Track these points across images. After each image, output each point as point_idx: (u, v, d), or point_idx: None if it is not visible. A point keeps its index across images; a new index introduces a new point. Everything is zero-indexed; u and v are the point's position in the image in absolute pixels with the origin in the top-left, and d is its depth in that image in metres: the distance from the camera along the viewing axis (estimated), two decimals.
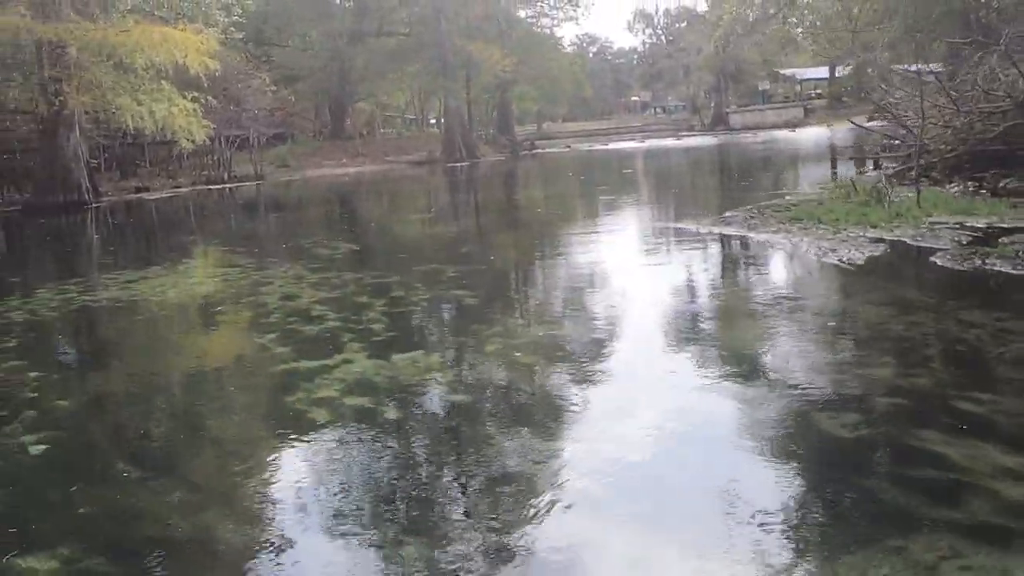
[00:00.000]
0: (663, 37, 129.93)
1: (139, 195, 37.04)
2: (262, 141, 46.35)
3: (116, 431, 6.63)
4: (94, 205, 30.51)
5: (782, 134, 63.94)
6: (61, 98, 27.87)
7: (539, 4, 62.24)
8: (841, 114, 77.99)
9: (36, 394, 7.38)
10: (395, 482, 5.14)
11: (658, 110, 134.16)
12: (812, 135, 59.11)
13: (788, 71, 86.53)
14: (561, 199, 25.75)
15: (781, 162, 36.99)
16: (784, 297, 9.53)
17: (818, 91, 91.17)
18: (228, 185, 41.44)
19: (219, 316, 10.78)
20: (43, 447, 6.02)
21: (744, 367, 6.89)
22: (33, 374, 7.99)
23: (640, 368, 7.35)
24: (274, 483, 5.26)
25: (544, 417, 6.12)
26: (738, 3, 79.68)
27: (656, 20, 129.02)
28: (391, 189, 38.32)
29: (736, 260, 12.26)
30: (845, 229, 12.14)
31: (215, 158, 44.18)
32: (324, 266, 13.62)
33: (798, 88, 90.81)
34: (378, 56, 58.62)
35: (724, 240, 13.44)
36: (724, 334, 8.35)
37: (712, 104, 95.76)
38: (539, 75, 63.26)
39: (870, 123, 61.54)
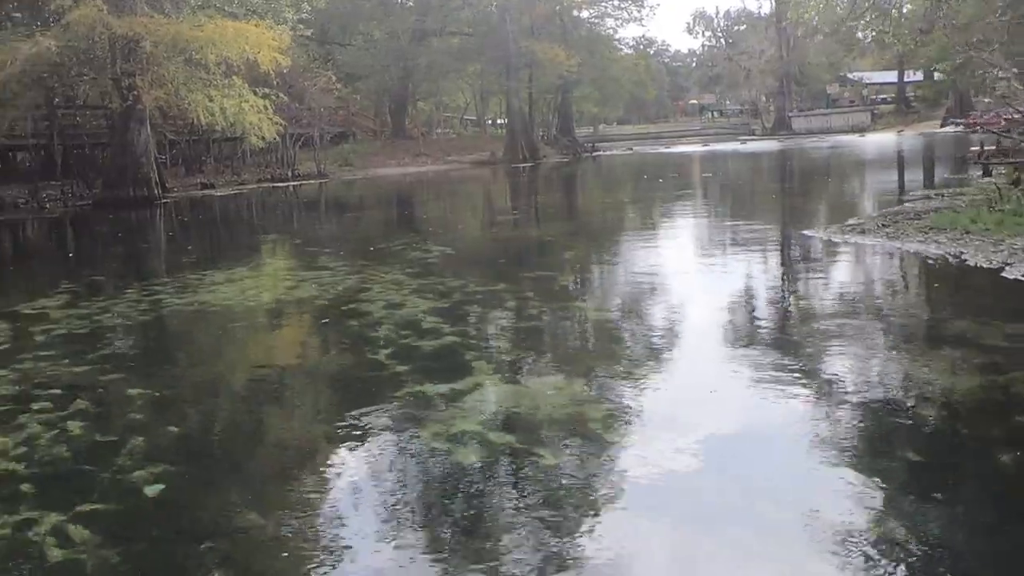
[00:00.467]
0: (723, 40, 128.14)
1: (205, 191, 36.73)
2: (326, 140, 45.92)
3: (236, 468, 5.72)
4: (163, 201, 30.15)
5: (850, 139, 61.96)
6: (135, 92, 27.50)
7: (603, 4, 60.94)
8: (910, 119, 75.96)
9: (142, 415, 6.54)
10: (593, 547, 4.11)
11: (715, 114, 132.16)
12: (882, 140, 56.98)
13: (855, 75, 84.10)
14: (651, 202, 24.59)
15: (867, 166, 35.45)
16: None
17: (882, 96, 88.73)
18: (292, 183, 41.00)
19: (323, 327, 9.89)
20: (159, 487, 5.13)
21: None
22: (135, 391, 7.15)
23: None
24: (444, 556, 4.26)
25: (744, 470, 5.04)
26: (814, 6, 77.78)
27: (716, 23, 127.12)
28: (462, 190, 37.58)
29: (907, 275, 10.94)
30: (1006, 240, 10.87)
31: (279, 156, 43.82)
32: (422, 271, 12.72)
33: (864, 92, 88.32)
34: (440, 55, 58.04)
35: (871, 251, 12.18)
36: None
37: (774, 108, 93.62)
38: (601, 76, 62.06)
39: (947, 127, 60.26)
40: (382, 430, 6.01)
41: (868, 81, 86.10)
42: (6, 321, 10.21)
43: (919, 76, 79.00)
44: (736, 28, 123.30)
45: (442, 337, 8.50)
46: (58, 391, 7.15)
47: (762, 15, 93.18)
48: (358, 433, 5.99)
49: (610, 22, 62.24)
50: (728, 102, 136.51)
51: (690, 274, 11.97)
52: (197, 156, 41.49)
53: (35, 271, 17.26)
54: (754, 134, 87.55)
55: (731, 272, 11.88)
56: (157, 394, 7.18)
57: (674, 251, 14.42)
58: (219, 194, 35.72)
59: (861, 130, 74.05)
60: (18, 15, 33.55)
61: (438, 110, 66.42)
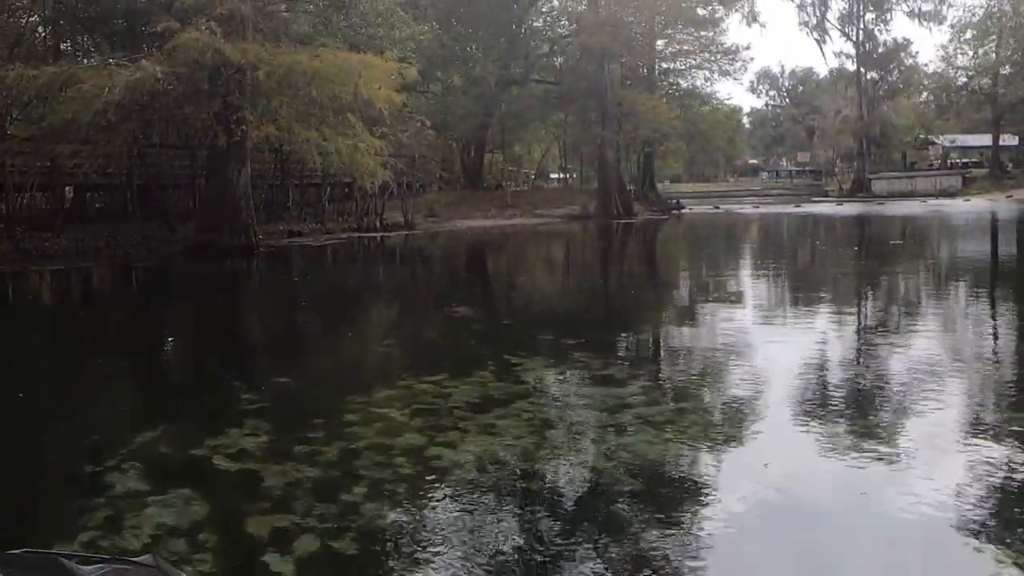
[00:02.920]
0: (787, 99, 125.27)
1: (293, 239, 33.49)
2: (415, 188, 42.79)
3: None
4: (260, 250, 26.86)
5: (952, 204, 57.89)
6: (243, 128, 24.27)
7: (699, 55, 57.80)
8: (1007, 185, 71.79)
9: None
10: None
11: (774, 174, 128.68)
12: (984, 207, 52.77)
13: (943, 137, 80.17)
14: (806, 268, 20.86)
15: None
16: None
17: (964, 160, 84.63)
18: (380, 233, 37.73)
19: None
20: None
21: None
22: None
23: None
24: None
25: None
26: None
27: (781, 82, 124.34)
28: (577, 248, 34.10)
29: None
30: None
31: (364, 204, 40.70)
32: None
33: (951, 157, 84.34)
34: (524, 103, 55.13)
35: None
36: None
37: (849, 169, 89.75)
38: (692, 131, 58.80)
39: None
40: None
41: (960, 144, 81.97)
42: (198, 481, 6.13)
43: (1015, 141, 75.28)
44: (800, 88, 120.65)
45: None
46: None
47: (841, 73, 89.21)
48: None
49: (703, 74, 59.02)
50: (784, 162, 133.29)
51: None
52: (281, 201, 38.37)
53: (185, 355, 12.65)
54: (828, 196, 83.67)
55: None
56: None
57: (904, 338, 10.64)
58: (311, 243, 32.46)
59: (951, 195, 70.00)
60: (116, 37, 30.59)
61: (516, 161, 63.31)
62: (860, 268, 21.51)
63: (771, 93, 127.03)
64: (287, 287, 20.45)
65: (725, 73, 60.28)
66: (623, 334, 12.23)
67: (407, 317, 15.29)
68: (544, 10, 57.38)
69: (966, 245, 28.87)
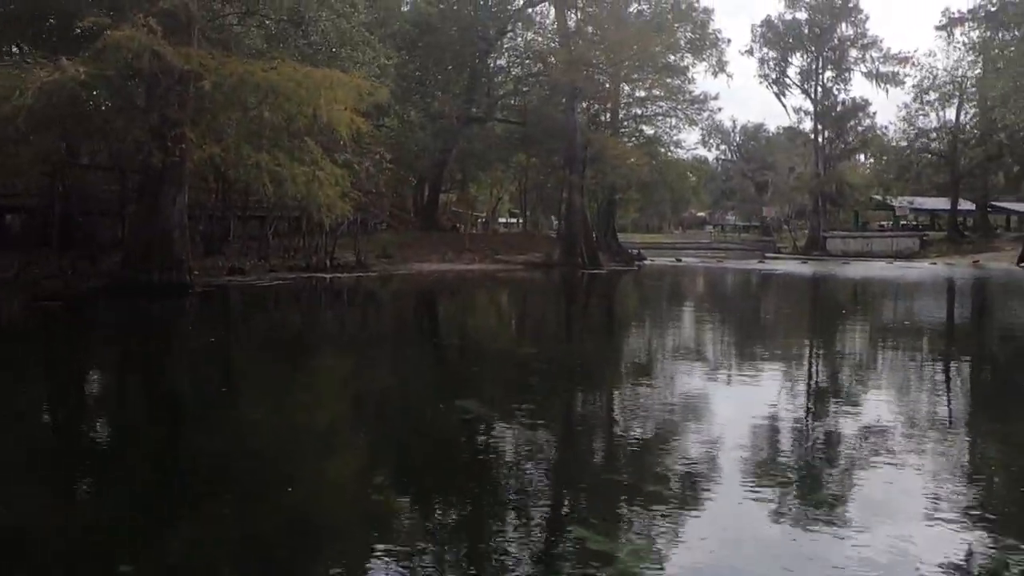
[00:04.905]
0: (737, 154, 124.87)
1: (233, 277, 29.70)
2: (369, 226, 39.34)
3: None
4: (196, 289, 23.02)
5: (918, 266, 56.36)
6: (182, 147, 20.56)
7: (666, 103, 55.56)
8: (964, 248, 70.98)
9: None
10: None
11: (721, 228, 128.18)
12: (963, 272, 51.15)
13: (901, 199, 79.44)
14: (828, 329, 17.99)
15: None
16: None
17: (914, 223, 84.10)
18: (331, 274, 34.08)
19: None
20: None
21: None
22: None
23: None
24: None
25: None
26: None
27: (732, 136, 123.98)
28: (549, 304, 30.88)
29: None
30: None
31: (314, 241, 37.08)
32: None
33: (908, 217, 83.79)
34: (485, 142, 52.19)
35: None
36: None
37: (805, 226, 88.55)
38: (657, 180, 56.48)
39: None
40: None
41: (918, 207, 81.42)
42: None
43: (971, 206, 74.78)
44: (751, 143, 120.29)
45: None
46: None
47: (797, 130, 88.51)
48: None
49: (672, 121, 56.81)
50: (729, 216, 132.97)
51: None
52: (222, 233, 34.54)
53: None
54: (780, 252, 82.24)
55: None
56: None
57: None
58: (254, 282, 28.69)
59: (908, 257, 68.86)
60: (44, 37, 26.26)
61: (470, 203, 60.08)
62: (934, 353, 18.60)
63: (721, 147, 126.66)
64: (218, 339, 16.76)
65: (692, 122, 58.33)
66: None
67: (345, 397, 11.85)
68: (508, 47, 54.70)
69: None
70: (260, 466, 7.49)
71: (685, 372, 13.22)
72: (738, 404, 10.55)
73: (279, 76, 20.54)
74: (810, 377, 13.34)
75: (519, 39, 53.43)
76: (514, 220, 78.97)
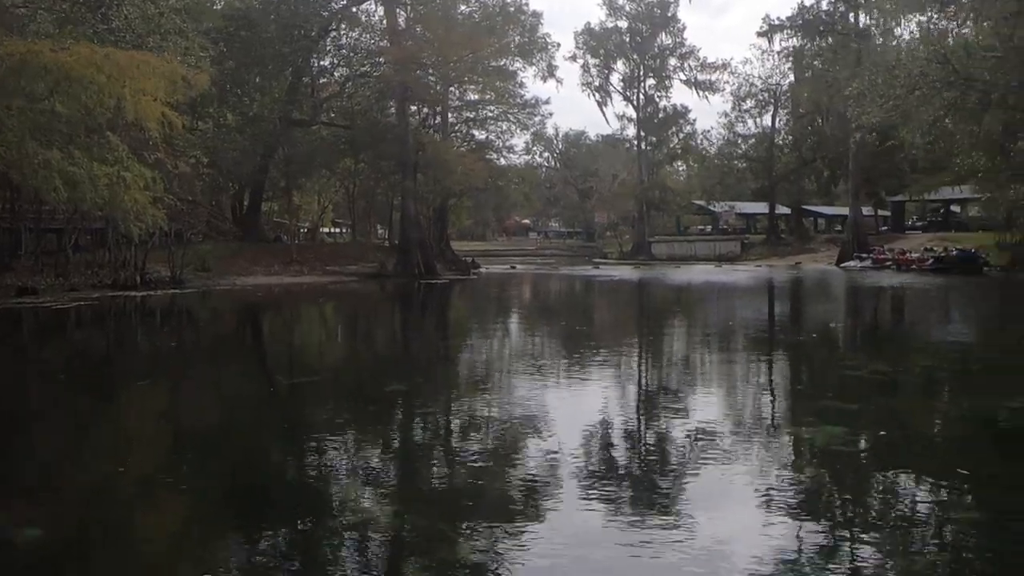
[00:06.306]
0: (559, 162, 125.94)
1: (24, 299, 25.58)
2: (185, 237, 35.53)
3: None
4: None
5: (745, 268, 57.82)
6: None
7: (497, 107, 54.22)
8: (781, 251, 73.90)
9: None
10: None
11: (544, 235, 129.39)
12: (792, 273, 52.73)
13: (720, 204, 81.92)
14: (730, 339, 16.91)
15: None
16: None
17: (731, 227, 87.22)
18: (142, 293, 30.28)
19: None
20: None
21: None
22: None
23: None
24: None
25: None
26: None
27: (555, 144, 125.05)
28: (384, 317, 28.55)
29: None
30: None
31: (121, 255, 33.08)
32: None
33: (729, 221, 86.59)
34: (310, 147, 48.91)
35: None
36: None
37: (630, 232, 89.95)
38: (490, 186, 55.16)
39: (851, 261, 57.26)
40: None
41: (739, 211, 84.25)
42: None
43: (788, 210, 78.03)
44: (573, 151, 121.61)
45: None
46: None
47: (621, 136, 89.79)
48: None
49: (503, 126, 55.55)
50: (552, 223, 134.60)
51: None
52: (10, 248, 30.04)
53: None
54: (607, 257, 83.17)
55: None
56: None
57: None
58: (49, 304, 24.69)
59: (730, 260, 70.94)
60: None
61: (294, 212, 56.37)
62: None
63: (544, 155, 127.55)
64: None
65: (525, 127, 57.41)
66: None
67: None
68: (332, 47, 51.57)
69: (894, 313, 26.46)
70: None
71: (551, 376, 11.61)
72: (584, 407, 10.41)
73: (73, 59, 17.23)
74: (648, 376, 11.89)
75: (344, 38, 50.47)
76: (338, 230, 75.65)
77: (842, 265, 56.88)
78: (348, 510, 6.43)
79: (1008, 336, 19.11)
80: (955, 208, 67.34)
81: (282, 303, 31.06)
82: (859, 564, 5.39)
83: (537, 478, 7.23)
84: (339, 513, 6.35)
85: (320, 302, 31.77)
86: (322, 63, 51.49)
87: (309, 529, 6.03)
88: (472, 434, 9.15)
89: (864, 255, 56.36)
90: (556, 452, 7.96)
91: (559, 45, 71.72)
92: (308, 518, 6.23)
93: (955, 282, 37.41)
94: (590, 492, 6.75)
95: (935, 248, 50.58)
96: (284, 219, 57.66)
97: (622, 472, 7.50)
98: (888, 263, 52.10)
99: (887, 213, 73.10)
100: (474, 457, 8.15)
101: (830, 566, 5.31)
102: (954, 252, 46.41)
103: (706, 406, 10.57)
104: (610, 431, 9.15)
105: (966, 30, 33.15)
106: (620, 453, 8.33)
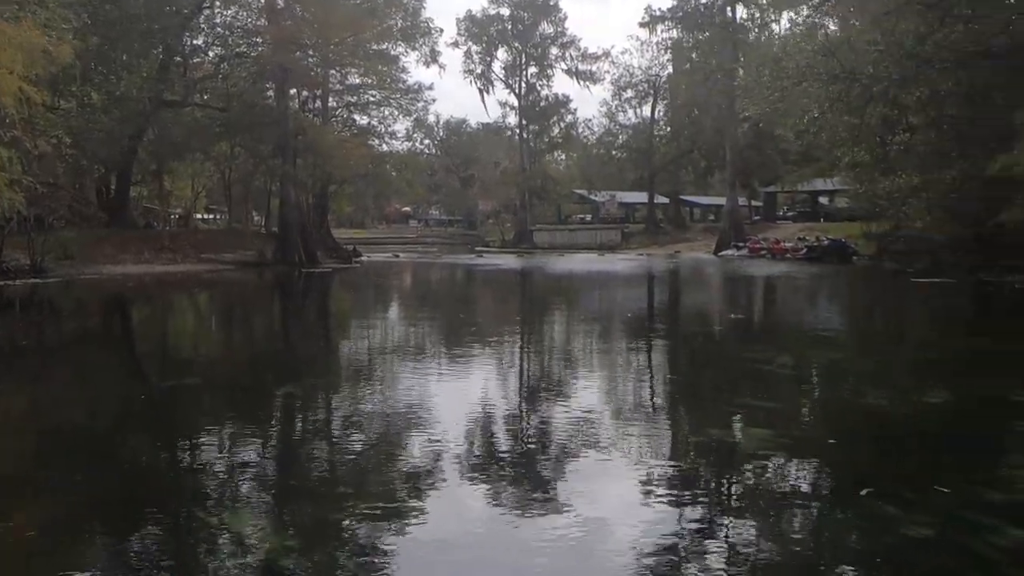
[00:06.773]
0: (439, 149, 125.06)
1: None
2: (46, 223, 33.33)
3: None
4: None
5: (629, 257, 58.73)
6: None
7: (379, 91, 53.15)
8: (660, 239, 75.48)
9: None
10: None
11: (425, 223, 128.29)
12: (676, 261, 53.87)
13: (601, 193, 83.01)
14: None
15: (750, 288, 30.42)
16: None
17: (605, 214, 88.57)
18: None
19: None
20: None
21: None
22: None
23: None
24: None
25: None
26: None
27: (436, 132, 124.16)
28: (263, 308, 27.47)
29: None
30: None
31: None
32: None
33: (610, 211, 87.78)
34: (182, 130, 46.69)
35: None
36: None
37: (511, 220, 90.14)
38: (373, 172, 54.08)
39: (728, 251, 58.93)
40: None
41: (620, 200, 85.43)
42: None
43: (666, 200, 79.73)
44: (454, 138, 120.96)
45: None
46: None
47: (503, 125, 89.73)
48: None
49: (385, 112, 54.50)
50: (432, 211, 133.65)
51: None
52: None
53: None
54: (489, 246, 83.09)
55: None
56: None
57: None
58: None
59: (611, 248, 71.94)
60: None
61: (164, 197, 53.83)
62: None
63: (425, 142, 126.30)
64: None
65: (408, 112, 56.53)
66: None
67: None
68: (206, 24, 49.28)
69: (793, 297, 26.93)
70: None
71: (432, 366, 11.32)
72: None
73: None
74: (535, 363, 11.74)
75: (219, 16, 48.31)
76: (211, 216, 72.83)
77: (720, 253, 58.46)
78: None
79: (900, 327, 19.85)
80: (823, 199, 70.20)
81: (154, 294, 29.53)
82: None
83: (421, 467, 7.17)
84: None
85: (195, 292, 30.36)
86: (195, 42, 49.10)
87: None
88: (354, 434, 8.70)
89: (741, 244, 58.07)
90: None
91: (442, 31, 70.85)
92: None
93: (828, 271, 38.93)
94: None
95: (807, 238, 52.63)
96: (155, 204, 55.01)
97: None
98: (763, 252, 53.81)
99: (759, 203, 75.58)
100: (362, 451, 7.83)
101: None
102: (826, 241, 48.36)
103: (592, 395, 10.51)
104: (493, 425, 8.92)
105: (852, 23, 34.21)
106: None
